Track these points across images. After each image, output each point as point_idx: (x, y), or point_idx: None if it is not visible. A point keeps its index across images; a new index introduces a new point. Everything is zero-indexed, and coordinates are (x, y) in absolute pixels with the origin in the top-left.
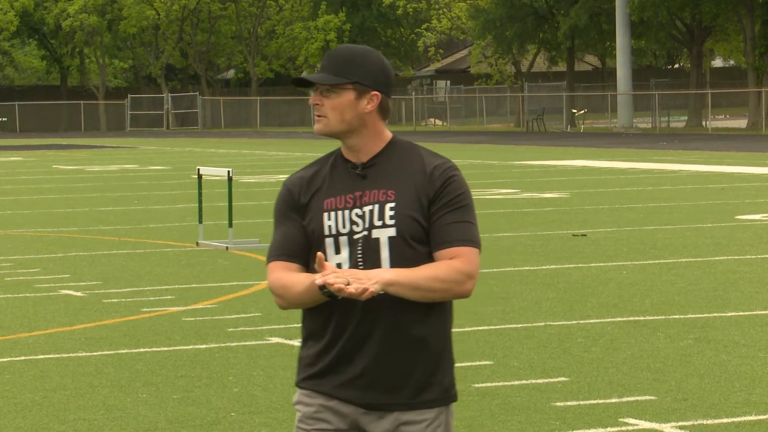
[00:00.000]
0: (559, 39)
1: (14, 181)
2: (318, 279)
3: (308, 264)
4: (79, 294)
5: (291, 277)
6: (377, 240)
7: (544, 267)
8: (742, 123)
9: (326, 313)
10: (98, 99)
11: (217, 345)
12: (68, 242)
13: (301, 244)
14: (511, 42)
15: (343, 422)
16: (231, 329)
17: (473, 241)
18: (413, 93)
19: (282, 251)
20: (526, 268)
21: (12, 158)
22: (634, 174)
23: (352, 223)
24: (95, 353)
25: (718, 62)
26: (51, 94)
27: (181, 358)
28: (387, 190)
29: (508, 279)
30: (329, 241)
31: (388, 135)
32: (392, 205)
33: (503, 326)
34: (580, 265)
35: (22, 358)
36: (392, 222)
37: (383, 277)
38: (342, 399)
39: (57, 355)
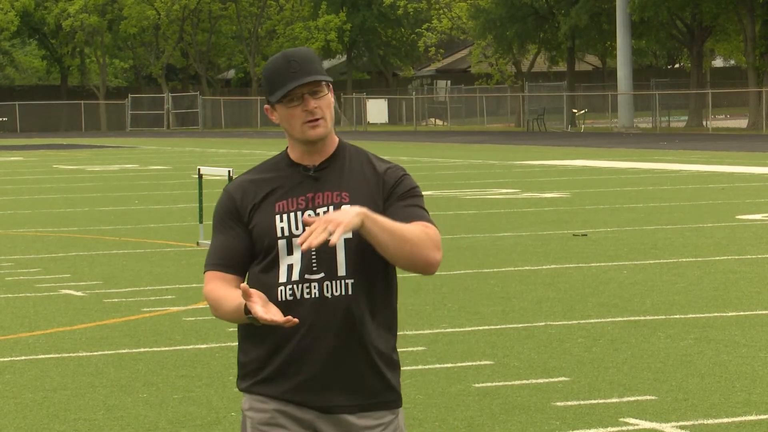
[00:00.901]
0: (560, 39)
1: (15, 181)
2: (261, 314)
3: (244, 274)
4: (79, 294)
5: (224, 292)
6: None
7: (544, 267)
8: (742, 123)
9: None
10: (99, 99)
11: (217, 345)
12: (69, 242)
13: (239, 255)
14: (512, 42)
15: (300, 427)
16: (231, 329)
17: (434, 224)
18: (414, 93)
19: (220, 260)
20: (527, 267)
21: (12, 158)
22: (634, 174)
23: (305, 224)
24: (96, 353)
25: (718, 62)
26: (51, 94)
27: (181, 357)
28: (341, 192)
29: (509, 279)
30: (282, 243)
31: (336, 138)
32: (347, 206)
33: (504, 326)
34: (580, 265)
35: (23, 357)
36: None
37: (359, 209)
38: (297, 403)
39: (57, 355)
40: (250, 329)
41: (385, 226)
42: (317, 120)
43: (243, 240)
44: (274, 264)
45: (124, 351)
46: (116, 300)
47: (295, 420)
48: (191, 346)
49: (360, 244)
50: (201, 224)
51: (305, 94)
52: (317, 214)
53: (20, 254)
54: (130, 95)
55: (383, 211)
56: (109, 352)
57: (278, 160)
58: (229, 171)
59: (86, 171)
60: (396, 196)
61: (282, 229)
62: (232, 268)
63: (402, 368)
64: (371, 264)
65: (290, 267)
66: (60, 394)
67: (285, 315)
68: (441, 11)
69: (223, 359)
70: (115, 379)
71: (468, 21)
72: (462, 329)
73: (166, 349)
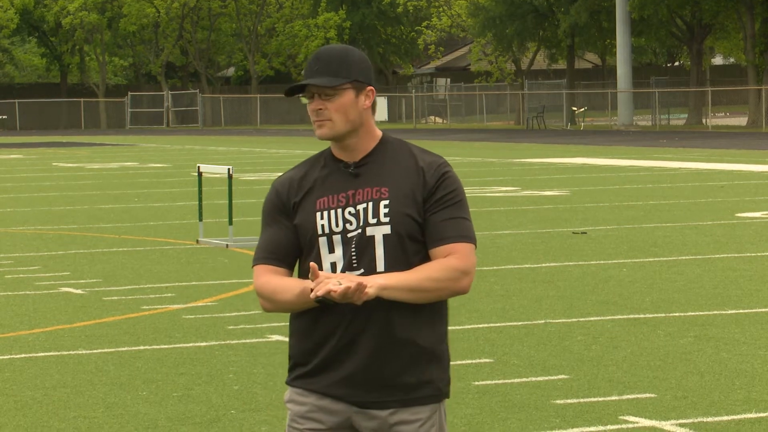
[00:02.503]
0: (560, 37)
1: (14, 179)
2: (319, 290)
3: (293, 268)
4: (79, 292)
5: (281, 282)
6: (372, 238)
7: (544, 265)
8: (742, 120)
9: (316, 312)
10: (98, 97)
11: (217, 342)
12: (68, 240)
13: (287, 248)
14: (512, 40)
15: (335, 421)
16: (231, 327)
17: (468, 237)
18: (413, 91)
19: (269, 254)
20: (526, 265)
21: (12, 156)
22: (634, 172)
23: (346, 221)
24: (95, 351)
25: (718, 60)
26: (51, 91)
27: (181, 355)
28: (380, 188)
29: (508, 277)
30: (323, 240)
31: (379, 132)
32: (386, 202)
33: (503, 324)
34: (580, 262)
35: (23, 355)
36: (387, 219)
37: (376, 282)
38: (334, 397)
39: (57, 353)
40: (300, 324)
41: (404, 289)
42: (322, 121)
43: (290, 234)
44: (317, 262)
45: (123, 349)
46: (116, 298)
47: (331, 414)
48: (191, 344)
49: (398, 238)
50: (201, 222)
51: (314, 93)
52: (357, 211)
53: (20, 252)
54: (129, 93)
55: (423, 211)
56: (109, 349)
57: (322, 156)
58: (228, 169)
59: (86, 169)
60: (436, 199)
61: (322, 226)
62: (281, 261)
63: None
64: (409, 258)
65: (333, 265)
66: (59, 392)
67: (325, 314)
68: (441, 9)
69: (223, 357)
70: (114, 377)
71: (468, 19)
72: (461, 327)
73: (166, 346)
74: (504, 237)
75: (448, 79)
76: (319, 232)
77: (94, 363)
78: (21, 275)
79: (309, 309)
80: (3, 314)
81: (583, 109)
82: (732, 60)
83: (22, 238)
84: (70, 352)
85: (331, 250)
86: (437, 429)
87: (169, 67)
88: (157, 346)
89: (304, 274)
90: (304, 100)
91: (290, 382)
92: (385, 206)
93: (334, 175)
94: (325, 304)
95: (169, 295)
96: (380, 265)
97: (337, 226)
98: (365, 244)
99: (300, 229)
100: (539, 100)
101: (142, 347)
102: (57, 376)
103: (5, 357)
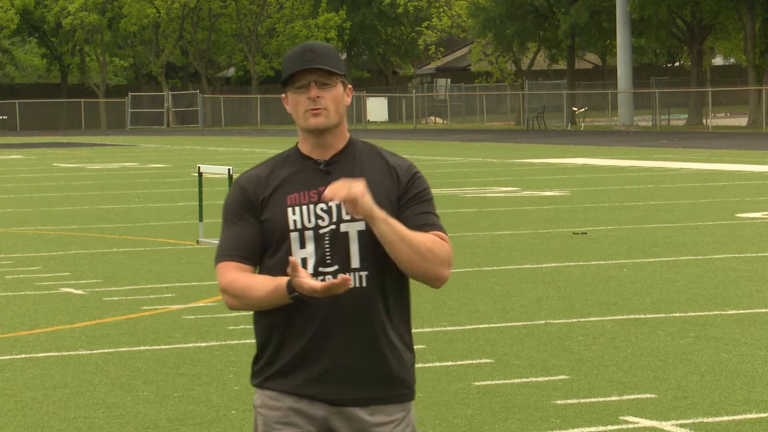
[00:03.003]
0: (560, 37)
1: (15, 179)
2: (315, 284)
3: (257, 266)
4: (79, 292)
5: (250, 279)
6: (346, 234)
7: (544, 265)
8: (742, 121)
9: (288, 308)
10: (98, 97)
11: (217, 343)
12: (69, 240)
13: (253, 246)
14: (512, 40)
15: (313, 424)
16: (231, 327)
17: (445, 231)
18: (414, 91)
19: (235, 251)
20: (527, 266)
21: (12, 156)
22: (634, 172)
23: (318, 217)
24: (96, 351)
25: (718, 60)
26: (51, 92)
27: (181, 356)
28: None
29: (509, 277)
30: (294, 236)
31: (348, 134)
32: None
33: (504, 324)
34: (580, 263)
35: (23, 356)
36: (361, 216)
37: (376, 211)
38: (310, 397)
39: (57, 353)
40: (266, 323)
41: (401, 233)
42: (318, 109)
43: (256, 231)
44: (287, 257)
45: (124, 349)
46: (116, 298)
47: (308, 417)
48: (191, 345)
49: (373, 235)
50: (201, 222)
51: (312, 82)
52: (329, 207)
53: (20, 252)
54: (130, 93)
55: (397, 210)
56: (109, 350)
57: (289, 154)
58: (229, 169)
59: (86, 169)
60: (410, 197)
61: (294, 221)
62: (247, 258)
63: None
64: (385, 256)
65: (304, 261)
66: (60, 392)
67: (299, 309)
68: (441, 9)
69: (223, 357)
70: (115, 378)
71: (468, 19)
72: (462, 327)
73: (166, 347)
74: (504, 237)
75: (449, 80)
76: (291, 227)
77: (94, 363)
78: (21, 275)
79: (279, 306)
80: (3, 315)
81: (583, 110)
82: (732, 60)
83: (23, 239)
84: (71, 353)
85: (303, 245)
86: (411, 429)
87: (170, 68)
88: (158, 347)
89: (266, 272)
90: (292, 92)
91: (260, 384)
92: None
93: (304, 172)
94: (301, 300)
95: (170, 295)
96: (355, 260)
97: (309, 221)
98: (339, 240)
99: (268, 225)
100: (539, 100)
101: (142, 348)
102: (57, 376)
103: (6, 357)
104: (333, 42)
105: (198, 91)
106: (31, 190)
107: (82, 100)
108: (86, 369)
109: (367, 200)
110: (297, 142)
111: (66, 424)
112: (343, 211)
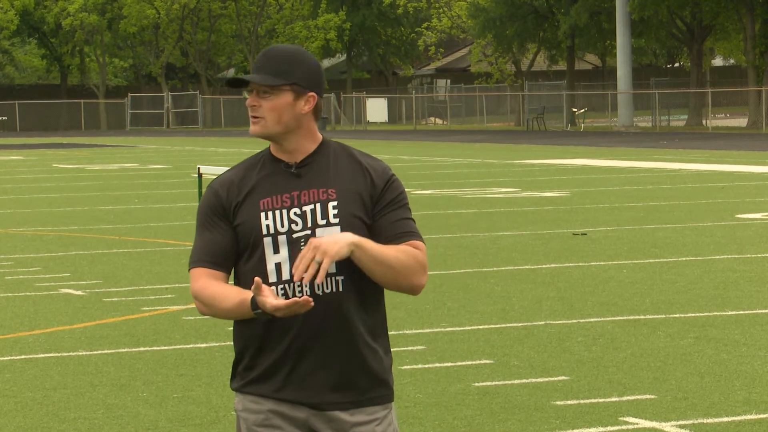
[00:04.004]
0: (560, 38)
1: (14, 180)
2: (277, 303)
3: (230, 272)
4: (79, 293)
5: (219, 288)
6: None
7: (544, 266)
8: (742, 122)
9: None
10: (98, 98)
11: (217, 344)
12: (68, 241)
13: (226, 253)
14: (512, 41)
15: (295, 425)
16: (231, 328)
17: (421, 237)
18: (413, 92)
19: (207, 257)
20: (527, 267)
21: (12, 157)
22: (634, 173)
23: (291, 221)
24: (95, 352)
25: (718, 61)
26: (51, 93)
27: (181, 356)
28: (327, 189)
29: (509, 278)
30: (267, 241)
31: (320, 136)
32: (335, 203)
33: (503, 325)
34: (580, 264)
35: (23, 357)
36: (336, 221)
37: (351, 239)
38: (291, 401)
39: (57, 354)
40: (244, 328)
41: (374, 256)
42: (256, 117)
43: (229, 237)
44: (261, 263)
45: (123, 350)
46: (116, 299)
47: (289, 419)
48: (191, 345)
49: None
50: None
51: (254, 89)
52: (303, 212)
53: (20, 253)
54: (129, 94)
55: (372, 215)
56: (109, 351)
57: (261, 156)
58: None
59: (86, 170)
60: (386, 202)
61: (267, 226)
62: (219, 265)
63: (401, 367)
64: None
65: (278, 266)
66: (60, 393)
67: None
68: (441, 10)
69: (223, 358)
70: (114, 378)
71: (468, 20)
72: (462, 328)
73: (166, 348)
74: (504, 238)
75: (449, 81)
76: (264, 232)
77: (94, 364)
78: (21, 276)
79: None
80: (3, 315)
81: (583, 111)
82: (732, 61)
83: (23, 240)
84: (71, 354)
85: (276, 250)
86: (393, 429)
87: (169, 69)
88: (157, 348)
89: (242, 277)
90: (246, 94)
91: (240, 389)
92: (334, 207)
93: (275, 175)
94: (264, 317)
95: (169, 296)
96: (332, 266)
97: (282, 226)
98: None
99: (242, 230)
100: (539, 101)
101: (142, 348)
102: (57, 377)
103: (5, 358)
104: (333, 43)
105: (198, 91)
106: (31, 191)
107: (82, 101)
108: (86, 370)
109: (334, 251)
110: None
111: (66, 425)
112: (318, 216)
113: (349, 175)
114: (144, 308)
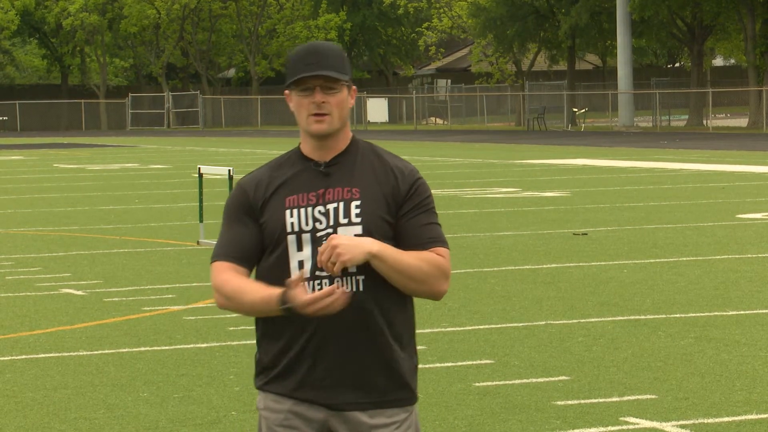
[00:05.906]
0: (560, 38)
1: (15, 180)
2: (308, 297)
3: (252, 269)
4: (79, 293)
5: (244, 282)
6: None
7: (544, 266)
8: (742, 122)
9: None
10: (99, 98)
11: (217, 344)
12: (69, 241)
13: (250, 250)
14: (512, 41)
15: (312, 427)
16: (232, 328)
17: (446, 243)
18: (414, 92)
19: (231, 252)
20: (527, 267)
21: (13, 157)
22: (634, 173)
23: (315, 220)
24: (96, 352)
25: (718, 61)
26: (52, 93)
27: (181, 356)
28: (351, 188)
29: (509, 278)
30: (291, 239)
31: (350, 133)
32: (358, 203)
33: (504, 325)
34: (580, 264)
35: (23, 356)
36: (358, 220)
37: (369, 248)
38: (309, 401)
39: (58, 354)
40: (267, 326)
41: (393, 266)
42: (323, 115)
43: (254, 235)
44: (284, 260)
45: (124, 350)
46: (116, 299)
47: (307, 420)
48: (191, 345)
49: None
50: (201, 223)
51: (317, 86)
52: (327, 210)
53: (21, 253)
54: (130, 94)
55: (397, 215)
56: (110, 351)
57: (290, 155)
58: (229, 170)
59: (87, 170)
60: (411, 206)
61: (292, 224)
62: (243, 260)
63: None
64: None
65: (301, 263)
66: (60, 393)
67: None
68: (441, 10)
69: (224, 358)
70: (115, 378)
71: (468, 20)
72: (462, 328)
73: (167, 348)
74: (505, 238)
75: (449, 81)
76: (288, 230)
77: (94, 364)
78: (22, 276)
79: (267, 314)
80: (4, 315)
81: (583, 111)
82: (732, 61)
83: (23, 240)
84: (71, 354)
85: (300, 248)
86: (414, 430)
87: (170, 69)
88: (158, 348)
89: (264, 273)
90: (296, 94)
91: (262, 387)
92: (357, 207)
93: (304, 173)
94: (291, 313)
95: (170, 296)
96: (351, 266)
97: (306, 224)
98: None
99: (267, 227)
100: (540, 101)
101: (142, 348)
102: (58, 377)
103: (6, 358)
104: (333, 43)
105: (198, 92)
106: (32, 191)
107: (83, 100)
108: (87, 370)
109: (347, 258)
110: (300, 142)
111: (66, 425)
112: (341, 215)
113: (374, 176)
114: (144, 308)
